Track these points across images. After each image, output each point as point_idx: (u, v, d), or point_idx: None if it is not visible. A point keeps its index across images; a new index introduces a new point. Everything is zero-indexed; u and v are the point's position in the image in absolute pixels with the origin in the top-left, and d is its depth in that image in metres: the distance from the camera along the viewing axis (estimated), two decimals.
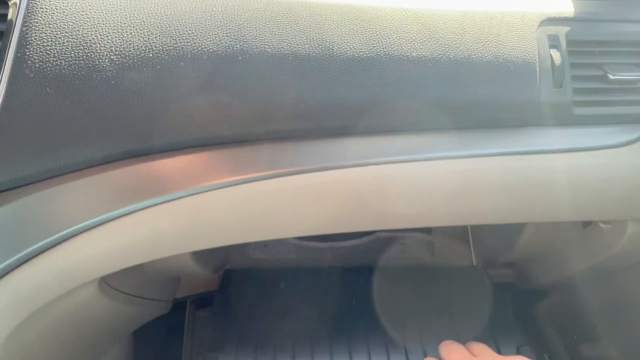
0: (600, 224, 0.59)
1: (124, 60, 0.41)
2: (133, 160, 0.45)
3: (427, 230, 0.97)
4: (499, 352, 0.64)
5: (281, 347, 0.69)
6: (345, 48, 0.46)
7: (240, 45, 0.44)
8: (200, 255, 0.75)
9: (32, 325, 0.48)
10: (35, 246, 0.43)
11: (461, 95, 0.48)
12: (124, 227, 0.45)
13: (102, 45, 0.41)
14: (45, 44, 0.40)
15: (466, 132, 0.50)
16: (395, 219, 0.51)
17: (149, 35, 0.42)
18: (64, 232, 0.43)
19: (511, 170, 0.49)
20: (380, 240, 0.96)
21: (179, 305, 0.84)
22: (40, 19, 0.40)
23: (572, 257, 0.70)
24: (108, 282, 0.56)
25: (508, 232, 0.76)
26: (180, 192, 0.45)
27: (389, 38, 0.47)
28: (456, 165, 0.49)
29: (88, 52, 0.41)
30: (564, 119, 0.50)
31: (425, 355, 0.65)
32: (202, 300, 0.85)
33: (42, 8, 0.39)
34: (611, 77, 0.49)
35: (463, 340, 0.66)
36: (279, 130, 0.47)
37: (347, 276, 0.80)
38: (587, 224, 0.63)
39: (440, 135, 0.49)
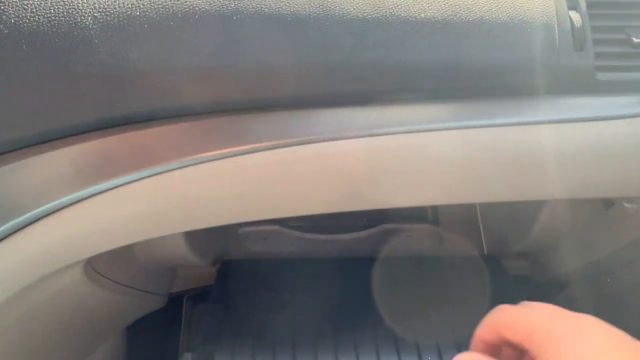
0: (625, 204, 0.55)
1: (109, 18, 0.38)
2: (118, 129, 0.41)
3: (435, 221, 0.93)
4: None
5: (281, 342, 0.64)
6: (348, 8, 0.42)
7: (234, 4, 0.41)
8: (197, 246, 0.71)
9: (11, 310, 0.45)
10: (8, 225, 0.39)
11: (473, 59, 0.44)
12: (107, 203, 0.41)
13: (85, 0, 0.38)
14: None
15: (478, 101, 0.46)
16: (398, 195, 0.48)
17: None
18: (41, 208, 0.40)
19: (528, 141, 0.45)
20: (386, 233, 0.92)
21: (175, 300, 0.80)
22: None
23: (591, 243, 0.65)
24: (95, 268, 0.53)
25: (521, 219, 0.72)
26: (169, 165, 0.42)
27: None
28: (467, 137, 0.45)
29: (69, 8, 0.37)
30: (586, 86, 0.46)
31: (439, 351, 0.60)
32: (200, 295, 0.81)
33: None
34: (635, 40, 0.45)
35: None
36: (275, 98, 0.43)
37: (352, 268, 0.76)
38: (608, 205, 0.59)
39: (450, 104, 0.46)
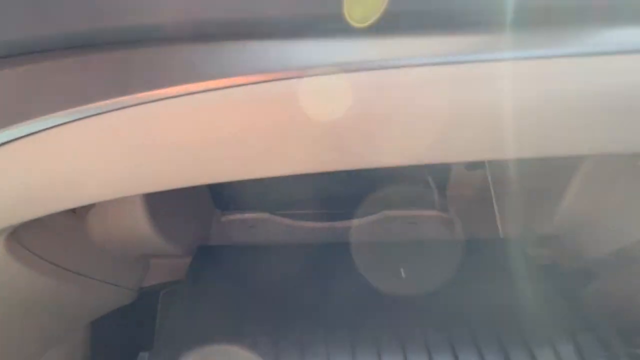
0: None
1: None
2: (62, 52, 0.32)
3: (443, 206, 0.83)
4: (550, 340, 0.49)
5: (264, 343, 0.54)
6: None
7: None
8: (169, 232, 0.61)
9: None
10: None
11: None
12: (35, 146, 0.32)
13: None
14: None
15: (491, 31, 0.36)
16: (385, 146, 0.38)
17: None
18: None
19: (556, 78, 0.36)
20: (388, 220, 0.82)
21: (149, 295, 0.70)
22: None
23: (630, 221, 0.55)
24: (35, 252, 0.43)
25: (546, 195, 0.62)
26: (122, 100, 0.32)
27: None
28: (471, 72, 0.35)
29: None
30: None
31: (455, 353, 0.50)
32: (174, 290, 0.71)
33: None
34: None
35: (504, 325, 0.51)
36: (253, 19, 0.34)
37: (343, 254, 0.65)
38: None
39: (453, 35, 0.36)
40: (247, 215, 0.82)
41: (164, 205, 0.59)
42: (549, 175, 0.63)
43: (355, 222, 0.82)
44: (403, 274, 0.56)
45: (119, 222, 0.53)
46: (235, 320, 0.54)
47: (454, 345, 0.50)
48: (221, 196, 0.84)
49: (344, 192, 0.85)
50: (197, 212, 0.76)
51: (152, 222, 0.55)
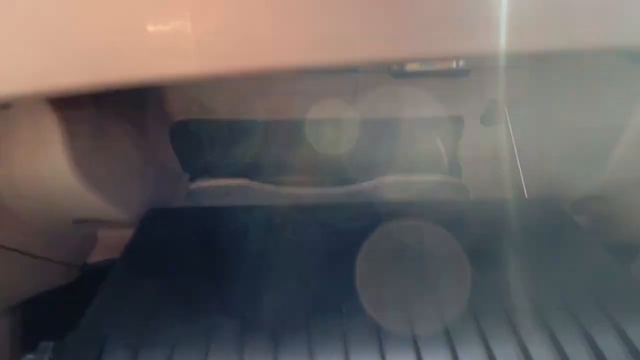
0: None
1: None
2: None
3: (454, 171, 0.70)
4: (613, 320, 0.36)
5: (221, 340, 0.40)
6: None
7: None
8: (105, 187, 0.47)
9: None
10: None
11: None
12: None
13: None
14: None
15: None
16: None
17: None
18: None
19: None
20: (388, 187, 0.69)
21: (94, 273, 0.58)
22: None
23: None
24: None
25: (588, 149, 0.49)
26: None
27: None
28: None
29: None
30: None
31: (487, 345, 0.37)
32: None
33: None
34: None
35: (546, 304, 0.39)
36: None
37: (335, 218, 0.51)
38: None
39: None
40: (222, 182, 0.69)
41: (100, 156, 0.46)
42: (588, 126, 0.50)
43: (348, 188, 0.69)
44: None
45: (30, 171, 0.39)
46: (176, 305, 0.40)
47: (485, 333, 0.37)
48: (192, 159, 0.71)
49: (336, 155, 0.72)
50: (155, 173, 0.62)
51: (79, 173, 0.41)
